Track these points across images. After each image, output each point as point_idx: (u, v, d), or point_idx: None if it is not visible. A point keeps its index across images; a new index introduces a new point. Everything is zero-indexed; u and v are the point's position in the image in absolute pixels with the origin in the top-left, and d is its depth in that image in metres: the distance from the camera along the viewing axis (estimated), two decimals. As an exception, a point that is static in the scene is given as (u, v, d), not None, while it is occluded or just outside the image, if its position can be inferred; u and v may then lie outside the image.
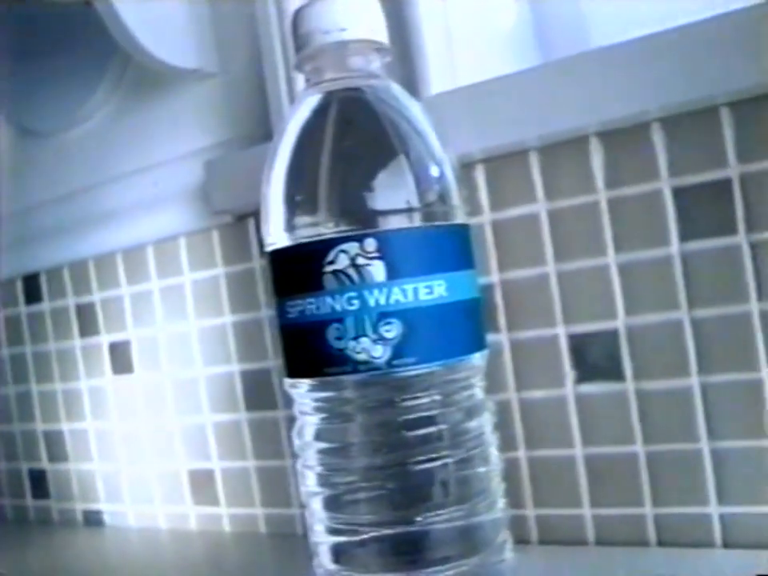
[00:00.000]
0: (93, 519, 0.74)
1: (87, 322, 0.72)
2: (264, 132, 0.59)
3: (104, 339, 0.71)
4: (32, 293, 0.76)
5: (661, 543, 0.48)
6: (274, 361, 0.61)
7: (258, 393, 0.62)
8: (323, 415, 0.38)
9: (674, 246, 0.46)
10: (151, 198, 0.65)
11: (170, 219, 0.64)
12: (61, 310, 0.74)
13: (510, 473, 0.50)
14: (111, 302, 0.70)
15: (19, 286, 0.77)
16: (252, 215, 0.61)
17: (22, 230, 0.74)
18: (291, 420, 0.59)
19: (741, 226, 0.44)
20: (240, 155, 0.59)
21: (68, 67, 0.69)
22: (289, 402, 0.59)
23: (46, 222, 0.72)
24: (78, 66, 0.69)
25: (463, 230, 0.38)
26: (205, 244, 0.64)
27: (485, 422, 0.39)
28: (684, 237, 0.46)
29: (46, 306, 0.75)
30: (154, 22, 0.59)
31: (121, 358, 0.70)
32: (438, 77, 0.51)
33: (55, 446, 0.76)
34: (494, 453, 0.39)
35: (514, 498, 0.50)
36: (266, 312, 0.61)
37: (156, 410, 0.68)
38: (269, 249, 0.38)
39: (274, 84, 0.57)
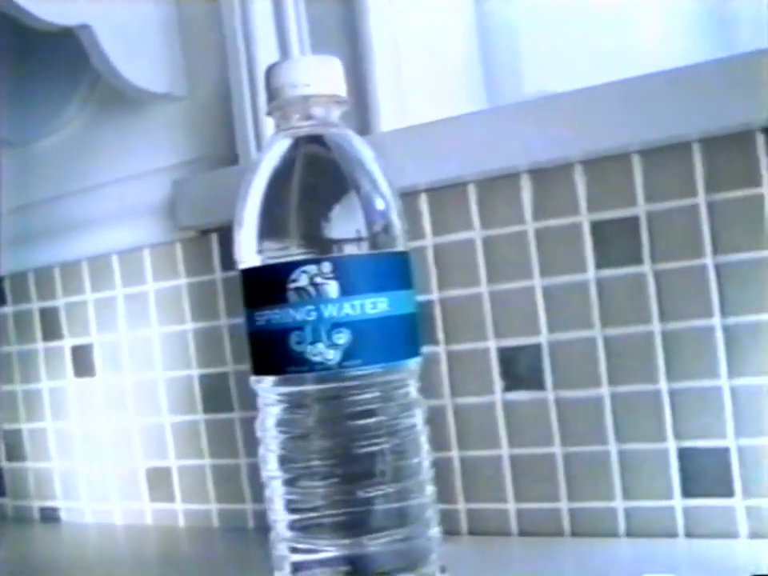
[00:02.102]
0: (49, 516, 0.84)
1: (51, 325, 0.82)
2: (229, 154, 0.70)
3: (67, 343, 0.81)
4: (-5, 297, 0.86)
5: (574, 534, 0.60)
6: (231, 366, 0.72)
7: (216, 396, 0.73)
8: (284, 406, 0.48)
9: (591, 273, 0.58)
10: (118, 210, 0.75)
11: (135, 231, 0.75)
12: (24, 313, 0.84)
13: (444, 471, 0.61)
14: (75, 307, 0.80)
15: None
16: (215, 231, 0.71)
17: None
18: (246, 421, 0.71)
19: (647, 256, 0.56)
20: (206, 176, 0.70)
21: (40, 80, 0.79)
22: (244, 404, 0.71)
23: (13, 229, 0.82)
24: (49, 79, 0.79)
25: (404, 256, 0.49)
26: (169, 256, 0.74)
27: (417, 417, 0.50)
28: (599, 265, 0.58)
29: (9, 309, 0.85)
30: (130, 49, 0.69)
31: (83, 361, 0.80)
32: (389, 116, 0.62)
33: (13, 445, 0.86)
34: (424, 443, 0.50)
35: (447, 493, 0.62)
36: (224, 321, 0.72)
37: (116, 410, 0.78)
38: (241, 267, 0.49)
39: (239, 109, 0.68)
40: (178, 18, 0.73)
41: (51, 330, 0.82)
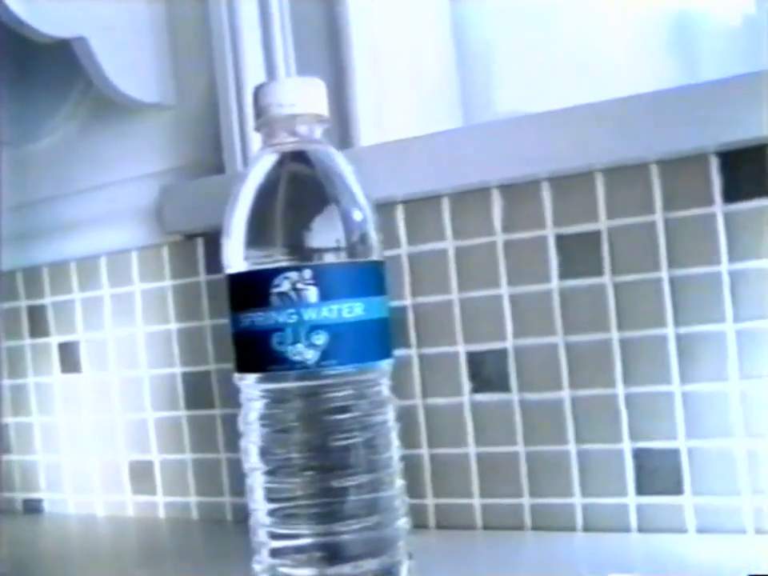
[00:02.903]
0: (32, 507, 0.88)
1: (38, 322, 0.86)
2: (215, 162, 0.74)
3: (54, 340, 0.85)
4: (-17, 294, 0.90)
5: (535, 528, 0.65)
6: (213, 365, 0.76)
7: (198, 393, 0.77)
8: (265, 402, 0.52)
9: (554, 283, 0.63)
10: (107, 213, 0.80)
11: (123, 234, 0.79)
12: (12, 310, 0.88)
13: (414, 467, 0.66)
14: (63, 305, 0.84)
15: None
16: (200, 235, 0.76)
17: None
18: (226, 418, 0.75)
19: (607, 269, 0.61)
20: (193, 183, 0.75)
21: (33, 85, 0.83)
22: (225, 401, 0.75)
23: (3, 229, 0.86)
24: (43, 84, 0.83)
25: (379, 264, 0.53)
26: (155, 258, 0.78)
27: (388, 414, 0.54)
28: (562, 276, 0.63)
29: (-3, 306, 0.89)
30: (122, 60, 0.74)
31: (70, 357, 0.84)
32: (369, 131, 0.67)
33: (-1, 437, 0.90)
34: (394, 438, 0.54)
35: (417, 489, 0.66)
36: (208, 321, 0.76)
37: (101, 406, 0.82)
38: (228, 272, 0.53)
39: (227, 121, 0.73)
40: (168, 31, 0.77)
41: (39, 327, 0.86)
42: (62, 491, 0.86)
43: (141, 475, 0.81)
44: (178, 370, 0.78)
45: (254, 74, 0.70)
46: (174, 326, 0.78)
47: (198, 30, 0.75)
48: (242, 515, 0.69)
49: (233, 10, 0.70)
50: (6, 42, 0.77)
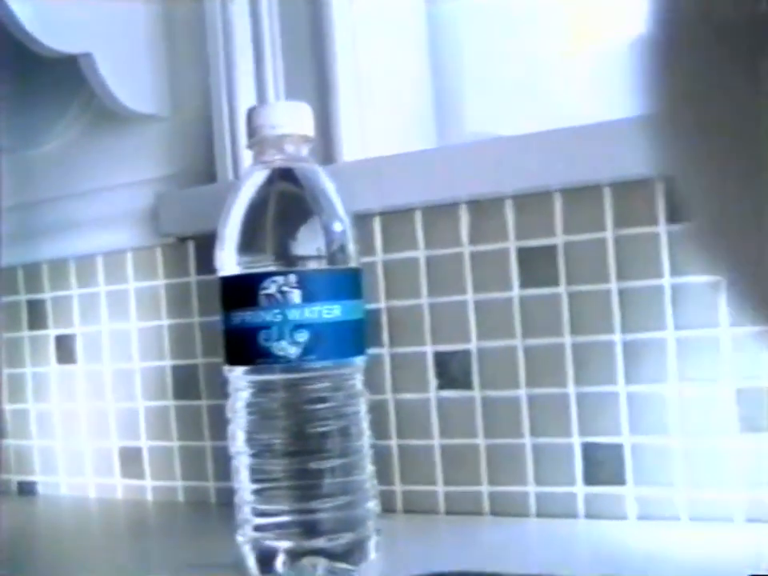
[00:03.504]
0: (26, 489, 0.93)
1: (37, 316, 0.92)
2: (207, 171, 0.80)
3: (51, 332, 0.91)
4: (-15, 288, 0.96)
5: (492, 513, 0.71)
6: (200, 359, 0.82)
7: (186, 385, 0.83)
8: (252, 392, 0.58)
9: (515, 291, 0.69)
10: (105, 215, 0.85)
11: (120, 235, 0.85)
12: (13, 304, 0.93)
13: (384, 457, 0.72)
14: (61, 300, 0.90)
15: (-28, 282, 0.96)
16: (192, 239, 0.82)
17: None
18: (212, 408, 0.81)
19: (562, 280, 0.68)
20: (186, 191, 0.81)
21: (38, 95, 0.89)
22: (211, 393, 0.81)
23: (5, 227, 0.91)
24: (47, 92, 0.88)
25: (355, 271, 0.59)
26: (149, 259, 0.84)
27: (361, 405, 0.60)
28: (523, 285, 0.69)
29: (-3, 299, 0.95)
30: (123, 74, 0.80)
31: (66, 349, 0.90)
32: (350, 149, 0.73)
33: (-4, 423, 0.95)
34: (366, 427, 0.60)
35: (386, 476, 0.72)
36: (197, 319, 0.82)
37: (94, 395, 0.88)
38: (220, 275, 0.59)
39: (219, 133, 0.79)
40: (166, 48, 0.83)
41: (37, 321, 0.92)
42: (55, 474, 0.91)
43: (130, 460, 0.87)
44: (168, 363, 0.84)
45: (245, 92, 0.76)
46: (165, 322, 0.84)
47: (195, 48, 0.81)
48: (225, 498, 0.76)
49: (228, 34, 0.76)
50: (12, 58, 0.83)
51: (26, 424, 0.93)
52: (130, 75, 0.80)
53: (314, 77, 0.75)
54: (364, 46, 0.76)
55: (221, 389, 0.68)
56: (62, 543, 0.77)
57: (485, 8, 0.80)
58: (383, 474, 0.67)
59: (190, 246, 0.82)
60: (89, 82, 0.79)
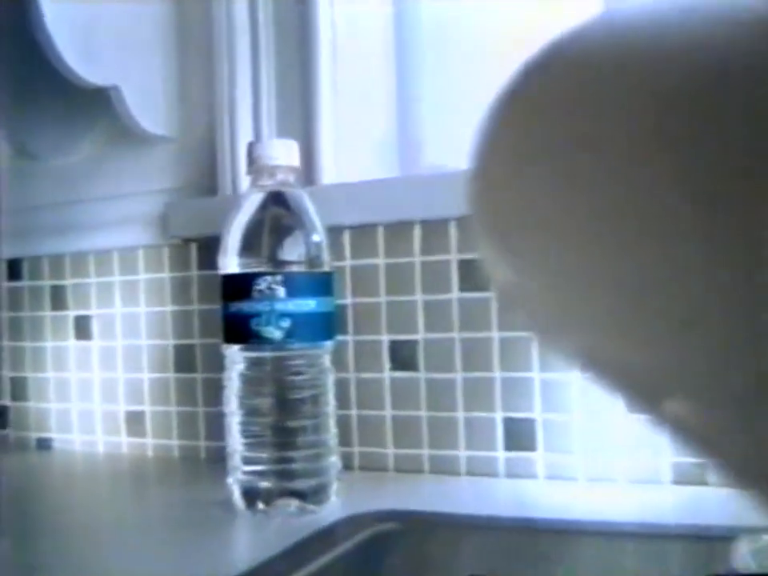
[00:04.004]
0: (44, 445, 1.09)
1: (59, 299, 1.07)
2: (210, 185, 0.96)
3: (71, 313, 1.06)
4: (14, 273, 1.11)
5: (431, 472, 0.87)
6: (198, 339, 0.98)
7: (185, 360, 0.99)
8: (244, 365, 0.74)
9: (455, 294, 0.85)
10: (121, 218, 1.01)
11: (133, 235, 1.01)
12: (37, 288, 1.09)
13: (345, 424, 0.88)
14: (80, 287, 1.05)
15: (3, 268, 1.11)
16: (195, 241, 0.97)
17: (11, 224, 1.08)
18: (205, 380, 0.97)
19: (493, 286, 0.84)
20: (192, 201, 0.96)
21: (69, 113, 1.04)
22: (205, 368, 0.96)
23: (34, 223, 1.07)
24: (76, 112, 1.04)
25: (328, 274, 0.76)
26: (158, 256, 1.00)
27: (328, 380, 0.76)
28: (461, 289, 0.85)
29: (24, 283, 1.10)
30: (143, 102, 0.95)
31: (83, 328, 1.05)
32: (329, 174, 0.90)
33: (19, 388, 1.11)
34: (332, 397, 0.77)
35: (346, 439, 0.88)
36: (196, 306, 0.98)
37: (106, 367, 1.04)
38: (223, 273, 0.75)
39: (221, 155, 0.95)
40: (178, 81, 0.99)
41: (59, 303, 1.07)
42: (69, 432, 1.07)
43: (134, 422, 1.02)
44: (170, 342, 1.00)
45: (244, 124, 0.92)
46: (168, 308, 1.00)
47: (202, 82, 0.97)
48: (214, 455, 0.92)
49: (232, 74, 0.92)
50: (52, 80, 0.98)
51: (47, 390, 1.08)
52: (148, 104, 0.96)
53: (300, 116, 0.91)
54: (343, 92, 0.92)
55: (214, 364, 0.84)
56: (73, 489, 0.92)
57: (449, 52, 0.96)
58: (344, 438, 0.83)
59: (193, 247, 0.98)
60: (114, 109, 0.94)
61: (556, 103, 0.25)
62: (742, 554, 0.57)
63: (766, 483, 0.23)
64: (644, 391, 0.25)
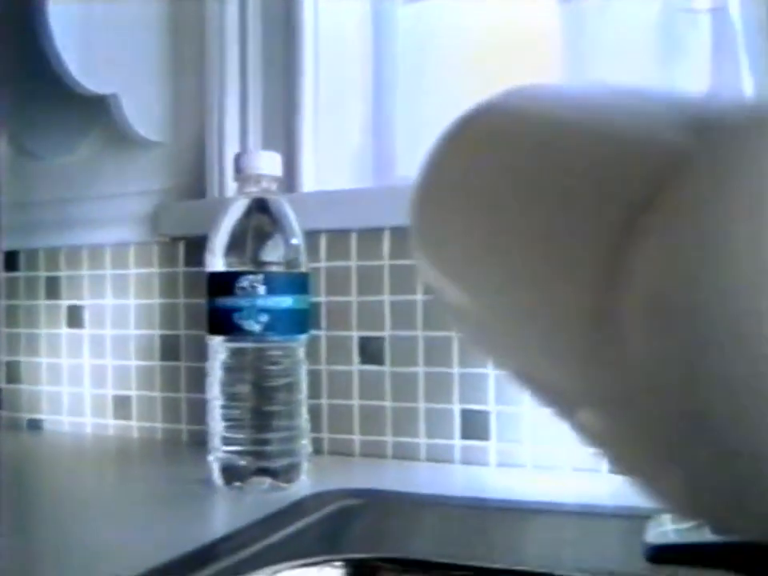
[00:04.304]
0: (34, 425, 1.16)
1: (53, 289, 1.14)
2: (198, 188, 1.03)
3: (64, 302, 1.13)
4: (11, 264, 1.18)
5: (394, 457, 0.95)
6: (182, 330, 1.05)
7: (170, 349, 1.06)
8: (226, 354, 0.82)
9: (419, 296, 0.93)
10: (114, 215, 1.08)
11: (125, 232, 1.08)
12: (33, 278, 1.16)
13: (316, 411, 0.96)
14: (74, 278, 1.13)
15: (0, 259, 1.18)
16: (182, 239, 1.05)
17: (10, 219, 1.15)
18: (189, 369, 1.04)
19: (454, 290, 0.92)
20: (180, 203, 1.04)
21: (68, 115, 1.11)
22: (189, 357, 1.04)
23: (31, 217, 1.14)
24: (76, 115, 1.11)
25: (305, 274, 0.83)
26: (147, 252, 1.07)
27: (302, 370, 0.84)
28: (425, 291, 0.93)
29: (21, 274, 1.17)
30: (139, 109, 1.03)
31: (75, 317, 1.13)
32: (309, 183, 0.97)
33: (13, 372, 1.17)
34: (304, 386, 0.84)
35: (317, 426, 0.96)
36: (182, 300, 1.05)
37: (96, 354, 1.11)
38: (209, 271, 0.82)
39: (209, 160, 1.02)
40: (171, 90, 1.06)
41: (53, 293, 1.14)
42: (59, 414, 1.14)
43: (121, 405, 1.10)
44: (157, 332, 1.07)
45: (231, 134, 1.00)
46: (156, 300, 1.07)
47: (194, 91, 1.04)
48: (195, 438, 1.00)
49: (223, 86, 1.00)
50: (53, 85, 1.05)
51: (39, 373, 1.15)
52: (143, 112, 1.03)
53: (284, 128, 0.99)
54: (323, 108, 1.00)
55: (197, 353, 0.92)
56: (62, 467, 0.99)
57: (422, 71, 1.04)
58: (315, 424, 0.91)
59: (180, 245, 1.05)
60: (112, 115, 1.02)
61: (474, 152, 0.33)
62: (662, 528, 0.66)
63: (643, 475, 0.29)
64: (561, 403, 0.31)
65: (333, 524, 0.74)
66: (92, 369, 1.12)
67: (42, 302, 1.16)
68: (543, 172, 0.27)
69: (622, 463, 0.28)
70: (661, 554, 0.62)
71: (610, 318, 0.21)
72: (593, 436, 0.26)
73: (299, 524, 0.72)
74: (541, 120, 0.31)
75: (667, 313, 0.20)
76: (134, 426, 1.09)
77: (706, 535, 0.64)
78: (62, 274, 1.14)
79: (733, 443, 0.19)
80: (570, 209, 0.24)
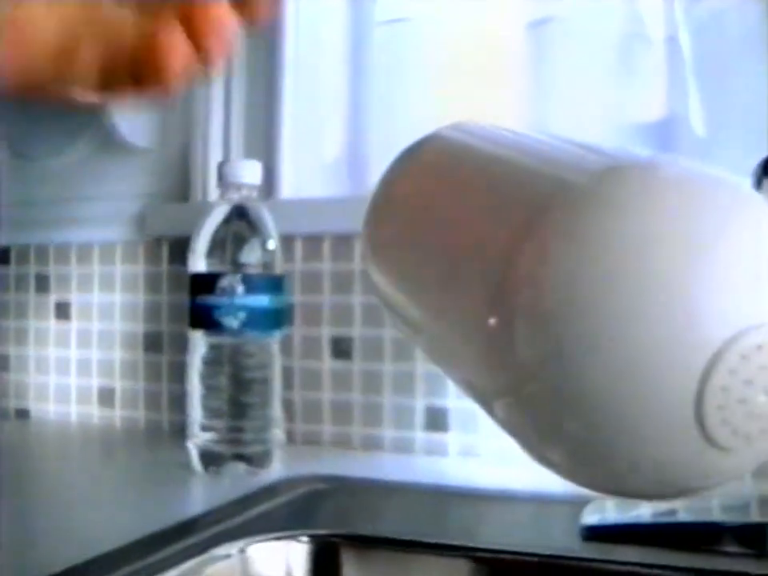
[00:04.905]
0: (22, 414, 1.21)
1: (42, 284, 1.20)
2: (182, 192, 1.09)
3: (53, 297, 1.19)
4: (2, 259, 1.23)
5: (362, 448, 1.01)
6: (165, 326, 1.11)
7: (152, 343, 1.12)
8: (206, 348, 0.88)
9: (388, 297, 0.99)
10: (103, 215, 1.14)
11: (113, 231, 1.14)
12: (23, 274, 1.21)
13: (289, 404, 1.02)
14: (62, 274, 1.18)
15: (-8, 253, 1.24)
16: (166, 239, 1.11)
17: (2, 217, 1.21)
18: (170, 362, 1.10)
19: (420, 292, 0.98)
20: (165, 205, 1.10)
21: (60, 120, 1.17)
22: (171, 351, 1.10)
23: (23, 216, 1.19)
24: (68, 120, 1.17)
25: (281, 276, 0.90)
26: (133, 251, 1.13)
27: (276, 364, 0.91)
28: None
29: (12, 269, 1.22)
30: (129, 119, 1.09)
31: (63, 311, 1.18)
32: (288, 189, 1.04)
33: (1, 362, 1.23)
34: (278, 379, 0.91)
35: (290, 417, 1.02)
36: (165, 296, 1.11)
37: (83, 346, 1.17)
38: (192, 271, 0.88)
39: (194, 166, 1.08)
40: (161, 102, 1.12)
41: (42, 287, 1.20)
42: (46, 403, 1.19)
43: (105, 396, 1.16)
44: (141, 326, 1.13)
45: (215, 142, 1.06)
46: (141, 297, 1.13)
47: (180, 102, 1.10)
48: (175, 428, 1.06)
49: (207, 99, 1.06)
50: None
51: (27, 364, 1.21)
52: (132, 119, 1.09)
53: (264, 137, 1.06)
54: (301, 119, 1.06)
55: (179, 347, 0.98)
56: (48, 452, 1.06)
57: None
58: (288, 416, 0.98)
59: (165, 245, 1.12)
60: (103, 121, 1.08)
61: (414, 177, 0.39)
62: (600, 511, 0.72)
63: (547, 462, 0.34)
64: (478, 397, 0.36)
65: (301, 505, 0.80)
66: (78, 361, 1.18)
67: (32, 297, 1.21)
68: (462, 199, 0.34)
69: (527, 448, 0.32)
70: (594, 534, 0.68)
71: (501, 326, 0.27)
72: (504, 426, 0.31)
73: (270, 504, 0.78)
74: (471, 155, 0.37)
75: (542, 323, 0.25)
76: (118, 415, 1.15)
77: (639, 517, 0.71)
78: (51, 270, 1.20)
79: (597, 417, 0.25)
80: (472, 232, 0.30)
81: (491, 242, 0.28)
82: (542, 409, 0.25)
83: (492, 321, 0.26)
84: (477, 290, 0.28)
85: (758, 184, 0.40)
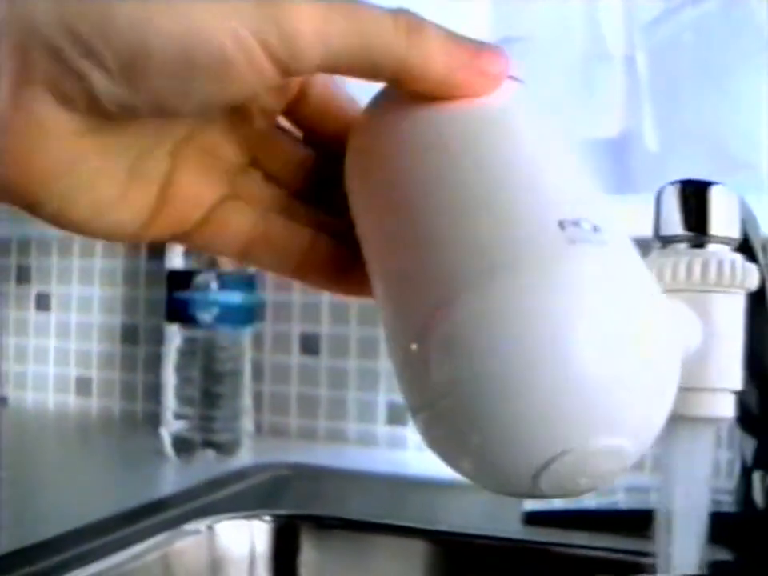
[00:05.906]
0: (0, 401, 1.26)
1: (23, 276, 1.25)
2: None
3: (33, 289, 1.24)
4: (-17, 251, 1.28)
5: (327, 440, 1.07)
6: (142, 318, 1.16)
7: (129, 335, 1.17)
8: (181, 340, 0.94)
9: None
10: (84, 212, 1.19)
11: (93, 227, 1.19)
12: (5, 265, 1.26)
13: (259, 396, 1.07)
14: (43, 267, 1.23)
15: (-25, 245, 1.29)
16: (145, 236, 1.16)
17: (-14, 210, 1.25)
18: (146, 353, 1.15)
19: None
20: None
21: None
22: (146, 342, 1.15)
23: (4, 208, 1.23)
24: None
25: (252, 274, 0.95)
26: (113, 246, 1.18)
27: (246, 356, 0.96)
28: (361, 293, 1.05)
29: (-7, 261, 1.27)
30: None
31: (43, 302, 1.23)
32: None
33: (-19, 350, 1.28)
34: (248, 371, 0.96)
35: (259, 409, 1.08)
36: (143, 291, 1.16)
37: (62, 337, 1.22)
38: (169, 268, 0.94)
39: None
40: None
41: (23, 279, 1.25)
42: (24, 391, 1.24)
43: (82, 385, 1.21)
44: (118, 318, 1.18)
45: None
46: (119, 290, 1.18)
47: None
48: (150, 417, 1.11)
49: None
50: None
51: (6, 353, 1.26)
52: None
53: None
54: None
55: (154, 339, 1.03)
56: (25, 439, 1.10)
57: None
58: (257, 407, 1.03)
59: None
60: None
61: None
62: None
63: (463, 471, 0.35)
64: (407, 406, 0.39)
65: (267, 488, 0.86)
66: (56, 350, 1.22)
67: (12, 288, 1.26)
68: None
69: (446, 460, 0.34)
70: (534, 519, 0.74)
71: (419, 355, 0.31)
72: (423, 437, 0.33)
73: (237, 487, 0.84)
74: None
75: (455, 355, 0.30)
76: (94, 403, 1.20)
77: (580, 503, 0.77)
78: (32, 262, 1.24)
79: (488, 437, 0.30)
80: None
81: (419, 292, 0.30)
82: (456, 425, 0.30)
83: (414, 351, 0.30)
84: (406, 325, 0.31)
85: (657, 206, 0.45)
